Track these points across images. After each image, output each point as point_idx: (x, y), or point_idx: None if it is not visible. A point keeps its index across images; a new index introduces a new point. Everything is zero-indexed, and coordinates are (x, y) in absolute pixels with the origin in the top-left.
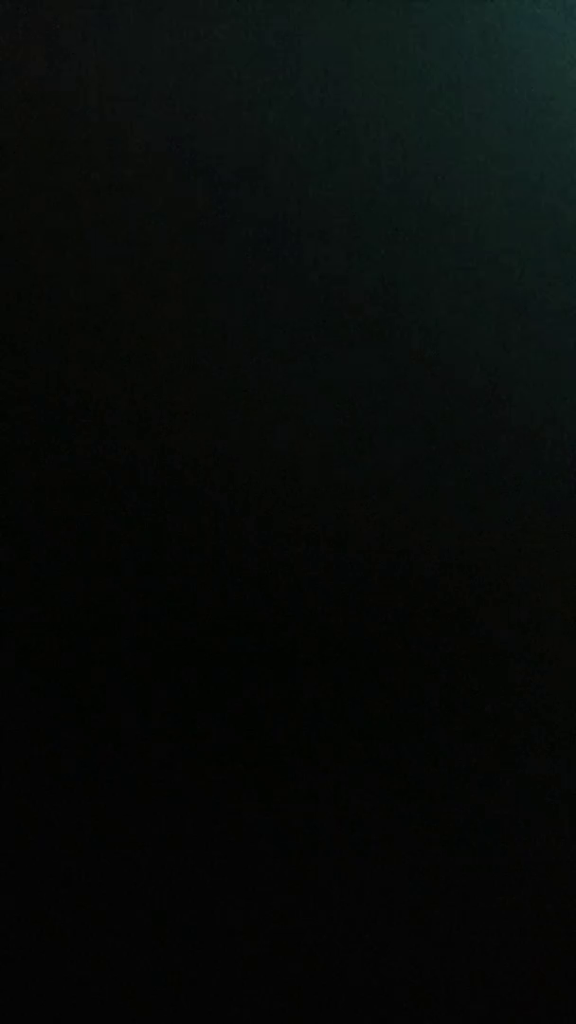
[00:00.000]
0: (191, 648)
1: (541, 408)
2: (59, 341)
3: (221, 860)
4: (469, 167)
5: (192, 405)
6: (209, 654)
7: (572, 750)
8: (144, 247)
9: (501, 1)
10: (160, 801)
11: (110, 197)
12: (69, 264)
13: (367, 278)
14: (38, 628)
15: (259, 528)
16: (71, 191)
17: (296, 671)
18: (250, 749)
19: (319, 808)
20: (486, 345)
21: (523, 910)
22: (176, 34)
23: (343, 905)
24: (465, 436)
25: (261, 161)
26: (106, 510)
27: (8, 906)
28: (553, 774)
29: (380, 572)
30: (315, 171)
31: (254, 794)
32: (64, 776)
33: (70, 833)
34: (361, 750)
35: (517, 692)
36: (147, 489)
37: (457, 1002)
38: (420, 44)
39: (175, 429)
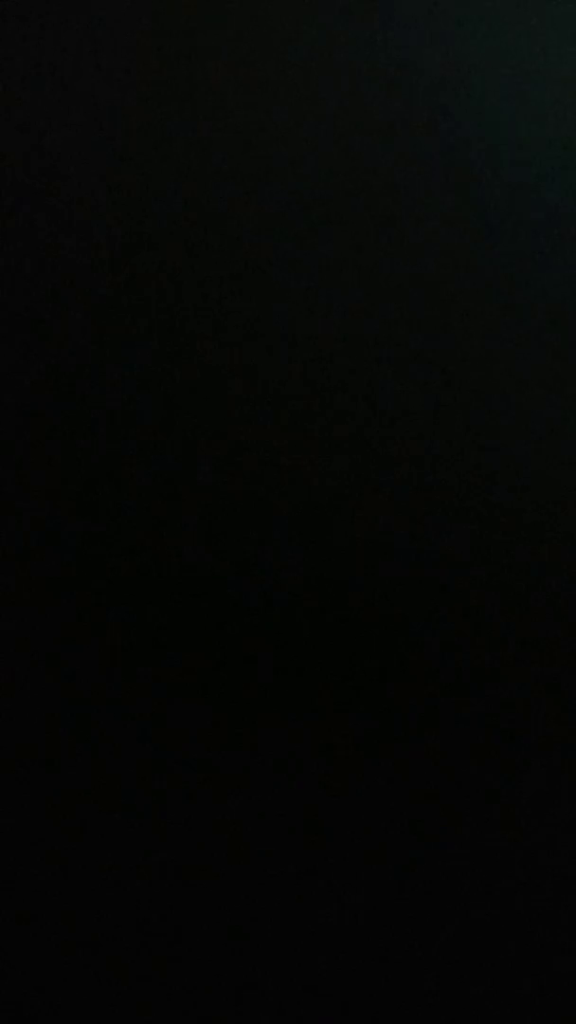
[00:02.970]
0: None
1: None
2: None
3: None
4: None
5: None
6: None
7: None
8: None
9: None
10: (158, 795)
11: None
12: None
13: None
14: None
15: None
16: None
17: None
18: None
19: (317, 805)
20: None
21: (523, 912)
22: None
23: (342, 907)
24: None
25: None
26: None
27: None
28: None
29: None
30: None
31: (253, 789)
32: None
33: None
34: (361, 743)
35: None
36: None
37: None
38: None
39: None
